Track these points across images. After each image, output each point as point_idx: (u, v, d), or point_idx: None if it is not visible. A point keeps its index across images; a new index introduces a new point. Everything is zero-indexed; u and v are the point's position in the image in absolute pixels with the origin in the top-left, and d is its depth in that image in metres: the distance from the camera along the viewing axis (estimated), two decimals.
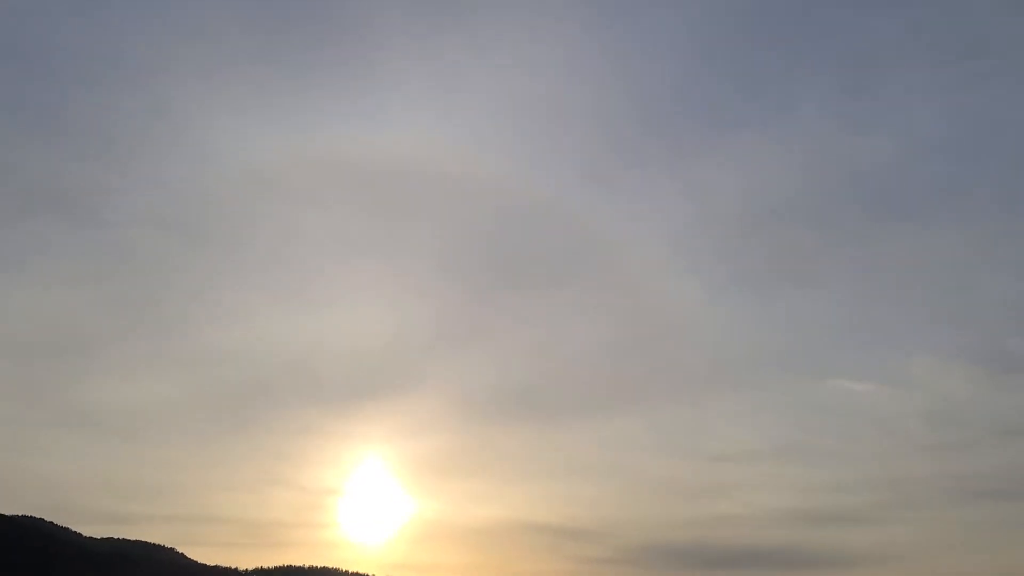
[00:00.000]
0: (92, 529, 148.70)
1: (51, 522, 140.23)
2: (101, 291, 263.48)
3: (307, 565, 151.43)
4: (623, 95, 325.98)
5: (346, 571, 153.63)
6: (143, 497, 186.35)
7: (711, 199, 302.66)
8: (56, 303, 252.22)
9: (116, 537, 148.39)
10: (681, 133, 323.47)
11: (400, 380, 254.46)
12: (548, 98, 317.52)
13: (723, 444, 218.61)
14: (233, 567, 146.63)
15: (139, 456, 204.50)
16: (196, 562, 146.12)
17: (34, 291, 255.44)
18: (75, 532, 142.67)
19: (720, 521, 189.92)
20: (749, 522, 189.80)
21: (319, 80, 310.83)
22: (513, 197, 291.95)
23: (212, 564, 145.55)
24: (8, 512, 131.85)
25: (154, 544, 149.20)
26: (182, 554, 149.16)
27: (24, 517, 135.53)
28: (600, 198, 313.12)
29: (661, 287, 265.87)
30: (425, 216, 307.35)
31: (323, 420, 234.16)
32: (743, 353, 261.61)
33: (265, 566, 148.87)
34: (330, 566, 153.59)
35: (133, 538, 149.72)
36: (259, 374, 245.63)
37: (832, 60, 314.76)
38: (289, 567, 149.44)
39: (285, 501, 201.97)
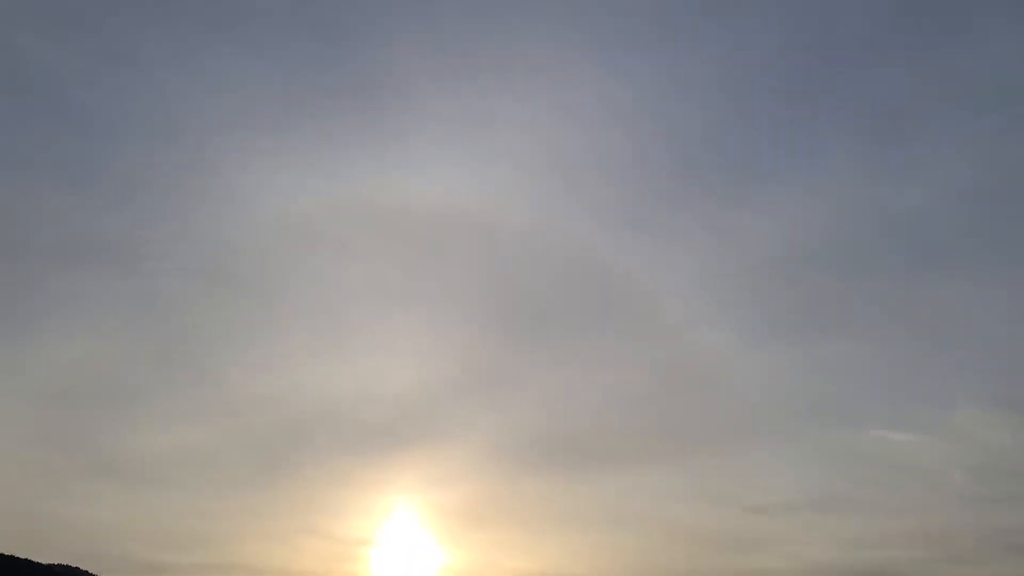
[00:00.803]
0: None
1: (87, 571, 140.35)
2: (138, 340, 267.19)
3: None
4: (654, 143, 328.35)
5: None
6: (177, 546, 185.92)
7: (743, 247, 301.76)
8: (94, 352, 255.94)
9: None
10: (712, 181, 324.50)
11: (432, 428, 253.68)
12: (578, 145, 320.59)
13: (759, 495, 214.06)
14: None
15: (173, 504, 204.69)
16: None
17: (73, 340, 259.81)
18: None
19: (758, 575, 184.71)
20: (788, 575, 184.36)
21: (349, 129, 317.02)
22: (544, 244, 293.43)
23: None
24: (45, 560, 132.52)
25: None
26: None
27: (60, 566, 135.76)
28: (631, 245, 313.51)
29: (694, 335, 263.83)
30: (457, 264, 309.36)
31: (355, 469, 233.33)
32: (778, 402, 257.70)
33: None
34: None
35: None
36: (292, 422, 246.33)
37: (862, 109, 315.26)
38: None
39: (317, 551, 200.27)
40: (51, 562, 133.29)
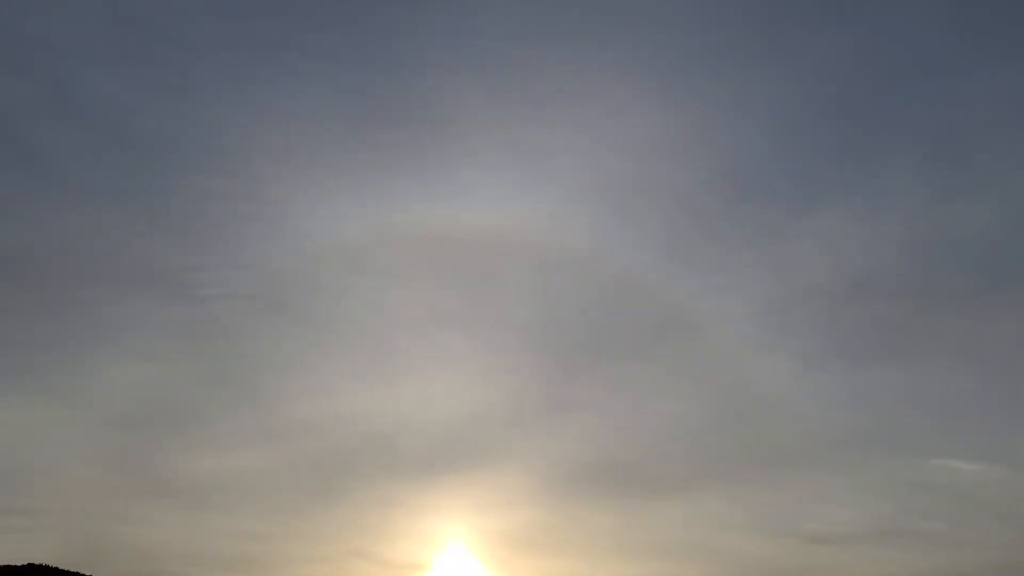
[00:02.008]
0: None
1: None
2: (192, 366, 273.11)
3: None
4: (704, 170, 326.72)
5: None
6: (230, 567, 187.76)
7: (798, 273, 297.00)
8: (152, 377, 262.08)
9: None
10: (764, 207, 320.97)
11: (483, 454, 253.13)
12: (629, 173, 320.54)
13: (820, 525, 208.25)
14: None
15: (226, 526, 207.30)
16: None
17: (131, 366, 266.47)
18: None
19: None
20: None
21: (398, 158, 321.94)
22: (595, 272, 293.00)
23: None
24: None
25: None
26: None
27: None
28: (683, 273, 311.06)
29: (749, 362, 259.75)
30: (507, 291, 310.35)
31: (405, 493, 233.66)
32: (839, 430, 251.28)
33: None
34: None
35: None
36: (343, 447, 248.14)
37: (923, 129, 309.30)
38: None
39: (367, 574, 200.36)
40: None
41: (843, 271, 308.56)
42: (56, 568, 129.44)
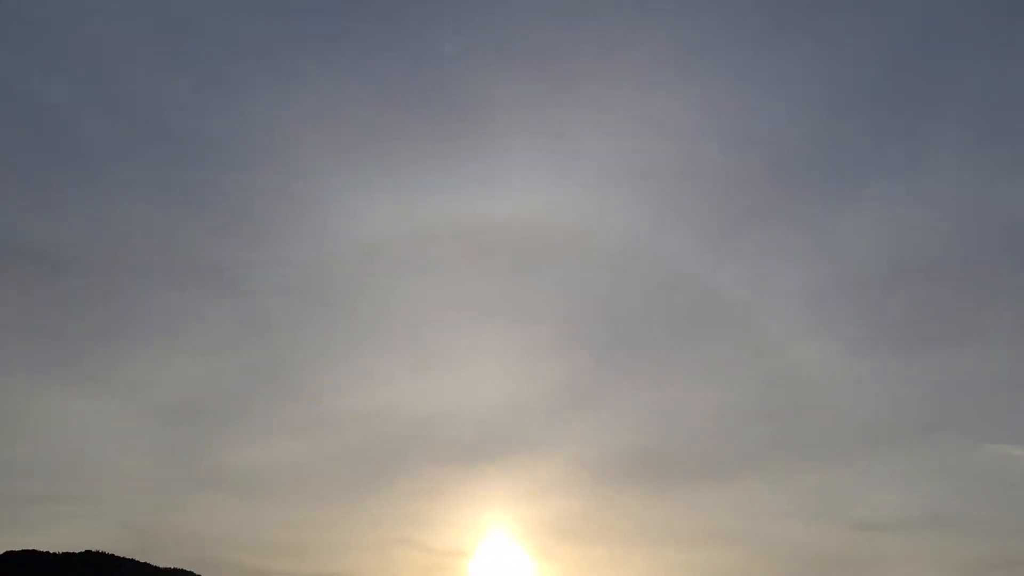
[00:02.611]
0: None
1: (199, 575, 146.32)
2: (242, 358, 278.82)
3: None
4: (745, 155, 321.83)
5: None
6: (279, 554, 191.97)
7: (845, 257, 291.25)
8: (203, 370, 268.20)
9: None
10: (809, 190, 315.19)
11: (524, 443, 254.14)
12: (668, 157, 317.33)
13: (869, 511, 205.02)
14: None
15: (275, 514, 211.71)
16: None
17: (183, 359, 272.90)
18: None
19: None
20: None
21: (436, 149, 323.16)
22: (636, 258, 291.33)
23: None
24: (161, 564, 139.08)
25: None
26: None
27: (176, 570, 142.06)
28: (724, 260, 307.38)
29: (793, 349, 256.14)
30: (547, 279, 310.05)
31: (448, 482, 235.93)
32: (887, 415, 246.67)
33: None
34: None
35: None
36: (387, 437, 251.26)
37: (975, 107, 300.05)
38: None
39: (411, 561, 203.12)
40: (167, 566, 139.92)
41: (889, 256, 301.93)
42: (112, 555, 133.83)
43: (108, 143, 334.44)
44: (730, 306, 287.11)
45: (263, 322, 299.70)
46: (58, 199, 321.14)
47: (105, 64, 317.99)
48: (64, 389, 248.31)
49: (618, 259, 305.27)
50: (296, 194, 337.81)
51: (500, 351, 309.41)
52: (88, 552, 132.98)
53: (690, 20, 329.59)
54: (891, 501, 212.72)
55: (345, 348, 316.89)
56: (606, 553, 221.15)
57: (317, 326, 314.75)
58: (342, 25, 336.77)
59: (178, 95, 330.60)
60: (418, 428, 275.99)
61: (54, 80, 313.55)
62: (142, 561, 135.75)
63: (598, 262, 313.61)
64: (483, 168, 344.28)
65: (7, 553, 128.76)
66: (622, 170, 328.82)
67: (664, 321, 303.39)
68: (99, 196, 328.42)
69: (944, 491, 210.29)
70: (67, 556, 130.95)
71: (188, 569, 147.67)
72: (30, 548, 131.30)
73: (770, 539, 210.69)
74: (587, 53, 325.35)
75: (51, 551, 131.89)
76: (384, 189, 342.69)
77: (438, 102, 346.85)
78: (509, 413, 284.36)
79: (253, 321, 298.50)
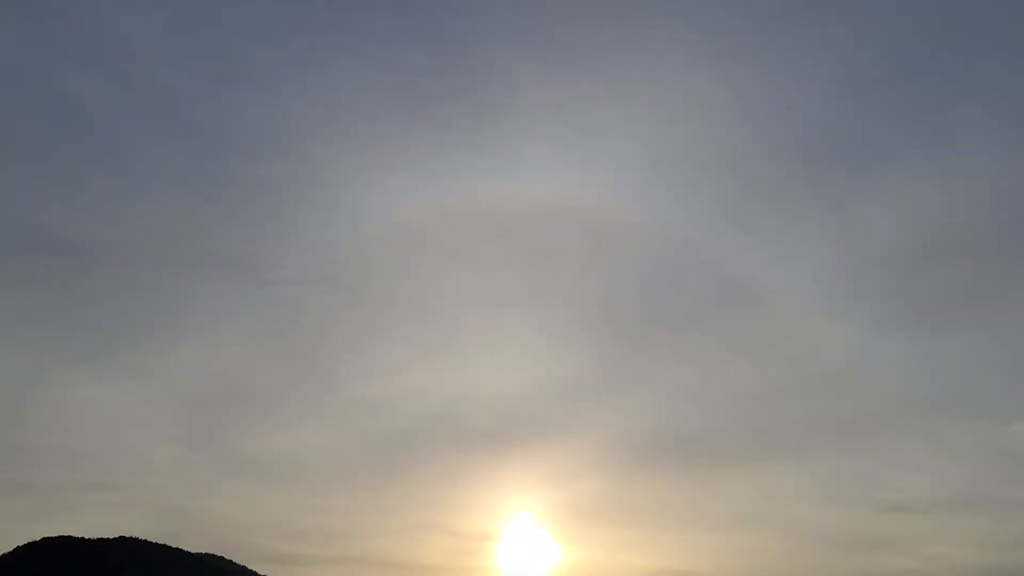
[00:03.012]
0: (265, 568, 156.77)
1: (230, 560, 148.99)
2: (264, 347, 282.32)
3: None
4: (764, 134, 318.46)
5: None
6: (307, 539, 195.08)
7: (867, 237, 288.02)
8: (228, 358, 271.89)
9: None
10: (828, 171, 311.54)
11: (547, 427, 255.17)
12: (686, 142, 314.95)
13: (896, 493, 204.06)
14: None
15: (302, 500, 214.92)
16: None
17: (209, 348, 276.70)
18: (251, 570, 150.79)
19: None
20: None
21: (457, 136, 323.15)
22: (657, 243, 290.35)
23: None
24: (193, 549, 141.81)
25: None
26: None
27: (207, 555, 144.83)
28: (746, 241, 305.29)
29: (817, 330, 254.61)
30: (567, 266, 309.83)
31: (472, 467, 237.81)
32: (913, 396, 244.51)
33: None
34: None
35: None
36: (411, 423, 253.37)
37: (996, 81, 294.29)
38: None
39: (437, 545, 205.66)
40: (199, 551, 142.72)
41: (915, 233, 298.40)
42: (145, 540, 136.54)
43: (135, 135, 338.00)
44: (753, 288, 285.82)
45: (287, 311, 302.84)
46: (88, 192, 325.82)
47: (125, 56, 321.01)
48: (97, 379, 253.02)
49: (640, 243, 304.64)
50: (316, 183, 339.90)
51: (524, 336, 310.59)
52: (122, 538, 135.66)
53: (707, 3, 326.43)
54: (918, 483, 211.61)
55: (368, 336, 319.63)
56: (632, 536, 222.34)
57: (340, 314, 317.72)
58: (365, 14, 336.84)
59: (205, 86, 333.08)
60: (441, 414, 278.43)
61: (80, 73, 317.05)
62: (174, 546, 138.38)
63: (620, 247, 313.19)
64: (506, 154, 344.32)
65: (44, 539, 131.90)
66: (644, 154, 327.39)
67: (687, 304, 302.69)
68: (128, 188, 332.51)
69: (971, 472, 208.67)
70: (101, 542, 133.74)
71: (219, 554, 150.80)
72: (66, 534, 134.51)
73: (796, 521, 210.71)
74: (607, 40, 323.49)
75: (86, 537, 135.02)
76: (404, 177, 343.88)
77: (461, 90, 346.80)
78: (534, 398, 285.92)
79: (277, 310, 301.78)
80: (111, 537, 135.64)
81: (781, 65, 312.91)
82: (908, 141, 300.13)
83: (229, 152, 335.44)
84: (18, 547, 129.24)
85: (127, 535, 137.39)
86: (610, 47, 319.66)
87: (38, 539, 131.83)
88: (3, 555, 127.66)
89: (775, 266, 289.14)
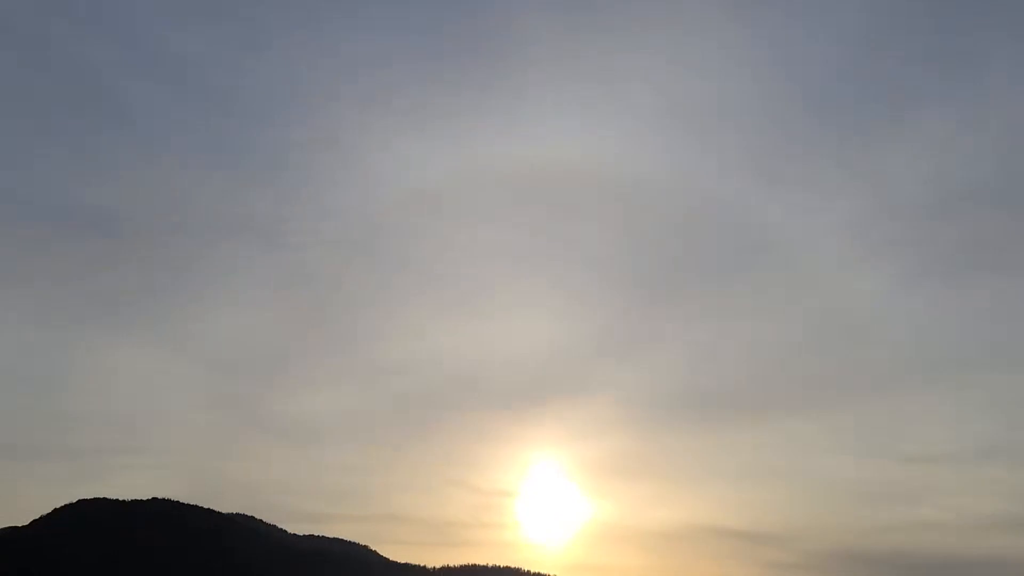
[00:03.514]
0: (294, 527, 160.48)
1: (260, 519, 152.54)
2: (287, 311, 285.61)
3: (490, 564, 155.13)
4: (787, 84, 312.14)
5: (528, 571, 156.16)
6: (334, 498, 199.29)
7: (892, 186, 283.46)
8: (251, 322, 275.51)
9: (316, 535, 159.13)
10: (854, 120, 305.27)
11: (569, 385, 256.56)
12: (707, 94, 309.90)
13: (919, 445, 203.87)
14: (421, 565, 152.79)
15: (329, 461, 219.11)
16: (387, 559, 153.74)
17: (232, 311, 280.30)
18: (280, 529, 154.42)
19: (917, 527, 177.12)
20: (950, 529, 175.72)
21: (474, 97, 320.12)
22: (676, 199, 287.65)
23: (402, 562, 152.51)
24: (224, 510, 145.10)
25: (350, 542, 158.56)
26: (375, 552, 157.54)
27: (238, 515, 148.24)
28: (769, 193, 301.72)
29: (841, 283, 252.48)
30: (587, 224, 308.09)
31: (495, 425, 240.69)
32: (937, 348, 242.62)
33: (451, 564, 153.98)
34: (512, 566, 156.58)
35: (332, 535, 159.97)
36: (433, 383, 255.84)
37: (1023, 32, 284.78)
38: (474, 566, 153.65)
39: (463, 502, 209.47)
40: (230, 511, 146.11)
41: (941, 183, 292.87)
42: (177, 501, 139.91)
43: (146, 101, 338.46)
44: (775, 242, 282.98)
45: (308, 275, 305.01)
46: (106, 161, 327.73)
47: (141, 22, 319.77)
48: (123, 345, 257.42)
49: (661, 198, 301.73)
50: (334, 146, 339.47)
51: (544, 295, 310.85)
52: (155, 499, 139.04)
53: None
54: (941, 434, 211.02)
55: (389, 298, 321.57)
56: (655, 490, 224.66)
57: (361, 277, 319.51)
58: None
59: (215, 51, 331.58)
60: (464, 374, 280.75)
61: (95, 42, 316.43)
62: (206, 507, 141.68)
63: (637, 204, 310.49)
64: (522, 112, 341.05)
65: (79, 501, 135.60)
66: (661, 110, 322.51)
67: (709, 259, 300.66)
68: (142, 155, 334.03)
69: (995, 424, 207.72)
70: (135, 503, 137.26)
71: (249, 514, 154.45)
72: (100, 496, 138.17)
73: (818, 474, 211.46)
74: None
75: (120, 498, 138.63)
76: (422, 139, 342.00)
77: (475, 49, 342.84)
78: (555, 357, 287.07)
79: (298, 274, 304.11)
80: (145, 499, 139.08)
81: (804, 12, 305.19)
82: (936, 88, 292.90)
83: (245, 118, 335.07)
84: (55, 509, 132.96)
85: (160, 496, 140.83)
86: (624, 4, 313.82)
87: (74, 501, 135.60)
88: (41, 517, 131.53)
89: (799, 218, 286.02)
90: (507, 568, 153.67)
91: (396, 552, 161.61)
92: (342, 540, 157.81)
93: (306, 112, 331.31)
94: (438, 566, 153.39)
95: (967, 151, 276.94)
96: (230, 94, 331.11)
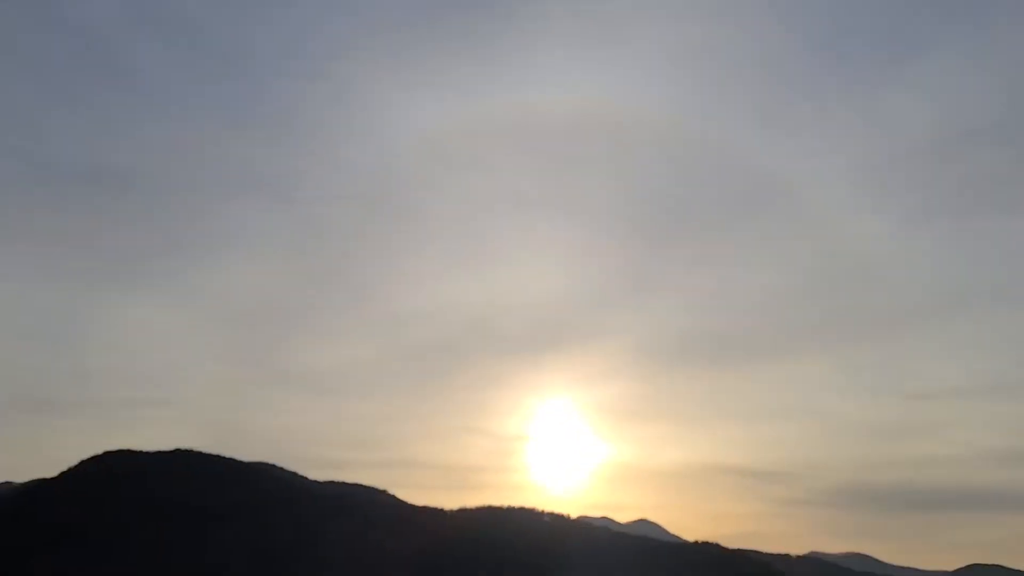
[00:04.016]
0: (316, 473, 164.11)
1: (282, 467, 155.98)
2: (297, 265, 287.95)
3: (507, 506, 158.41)
4: (789, 23, 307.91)
5: (543, 511, 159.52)
6: (353, 446, 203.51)
7: (896, 128, 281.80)
8: (264, 277, 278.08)
9: (337, 480, 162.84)
10: (858, 61, 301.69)
11: (581, 331, 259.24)
12: (711, 40, 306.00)
13: (923, 382, 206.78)
14: (440, 507, 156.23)
15: (345, 410, 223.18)
16: (406, 503, 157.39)
17: (245, 266, 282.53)
18: (302, 476, 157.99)
19: (924, 462, 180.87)
20: (957, 463, 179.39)
21: (478, 45, 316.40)
22: (683, 142, 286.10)
23: (421, 505, 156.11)
24: (247, 458, 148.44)
25: (369, 487, 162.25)
26: (394, 496, 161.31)
27: (260, 463, 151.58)
28: (772, 136, 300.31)
29: (846, 224, 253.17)
30: (590, 170, 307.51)
31: (507, 371, 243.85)
32: (943, 287, 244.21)
33: (468, 506, 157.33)
34: (528, 507, 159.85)
35: (351, 481, 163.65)
36: (445, 331, 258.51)
37: None
38: (490, 507, 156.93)
39: (478, 447, 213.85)
40: (251, 459, 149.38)
41: (947, 122, 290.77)
42: (200, 452, 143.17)
43: (151, 59, 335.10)
44: (781, 184, 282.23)
45: (317, 229, 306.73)
46: (116, 120, 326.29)
47: None
48: (142, 302, 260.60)
49: (666, 143, 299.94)
50: (342, 101, 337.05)
51: (548, 243, 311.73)
52: (178, 450, 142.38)
53: None
54: (946, 371, 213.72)
55: (397, 249, 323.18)
56: (666, 430, 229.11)
57: (368, 229, 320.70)
58: None
59: (217, 8, 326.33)
60: (475, 322, 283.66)
61: (102, 3, 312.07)
62: (228, 456, 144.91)
63: (640, 149, 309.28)
64: (527, 60, 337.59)
65: (105, 452, 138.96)
66: (667, 52, 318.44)
67: (714, 203, 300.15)
68: (149, 113, 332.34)
69: (1000, 360, 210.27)
70: (159, 454, 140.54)
71: (271, 462, 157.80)
72: (125, 447, 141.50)
73: (826, 413, 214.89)
74: None
75: (144, 450, 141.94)
76: (426, 89, 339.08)
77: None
78: (565, 302, 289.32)
79: (307, 228, 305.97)
80: (168, 450, 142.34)
81: None
82: (942, 28, 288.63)
83: (250, 74, 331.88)
84: (82, 461, 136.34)
85: (183, 447, 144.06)
86: None
87: (100, 453, 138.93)
88: (69, 469, 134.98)
89: (804, 161, 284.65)
90: (523, 509, 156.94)
91: (415, 496, 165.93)
92: (362, 485, 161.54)
93: (314, 68, 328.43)
94: (456, 508, 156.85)
95: (971, 91, 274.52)
96: (240, 51, 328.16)
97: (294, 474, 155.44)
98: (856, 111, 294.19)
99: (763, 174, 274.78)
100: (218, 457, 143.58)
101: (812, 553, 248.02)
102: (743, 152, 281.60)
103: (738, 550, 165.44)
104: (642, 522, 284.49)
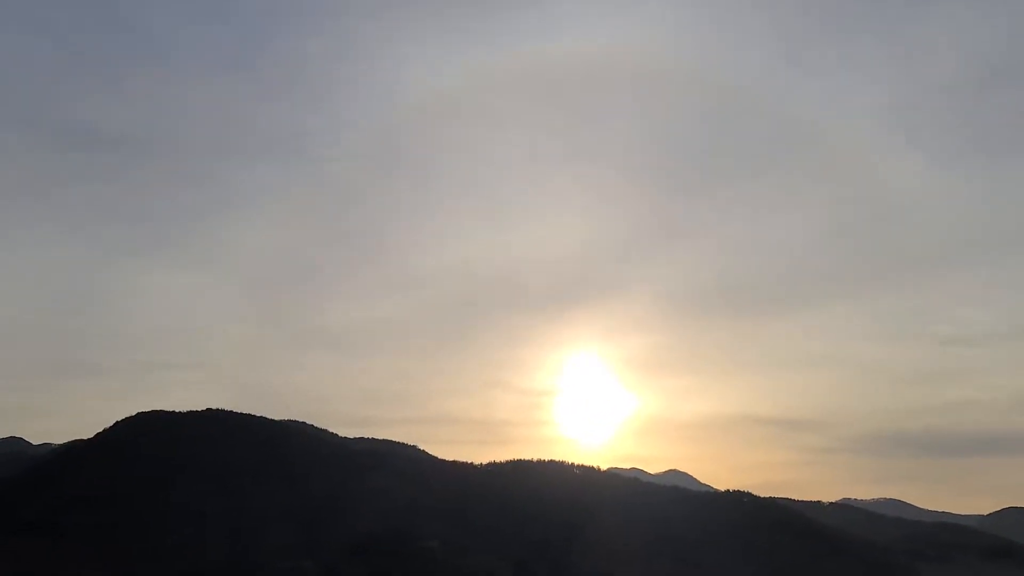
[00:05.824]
0: (345, 431, 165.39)
1: (312, 425, 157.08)
2: (317, 226, 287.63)
3: (535, 459, 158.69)
4: None
5: (572, 463, 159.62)
6: (383, 402, 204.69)
7: (929, 64, 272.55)
8: (281, 237, 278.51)
9: (366, 437, 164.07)
10: None
11: (607, 283, 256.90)
12: None
13: (954, 327, 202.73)
14: (469, 461, 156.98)
15: (373, 368, 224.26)
16: (437, 458, 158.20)
17: (263, 229, 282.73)
18: (332, 433, 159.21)
19: (955, 408, 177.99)
20: (990, 407, 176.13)
21: None
22: (707, 88, 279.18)
23: (451, 459, 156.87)
24: (276, 417, 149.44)
25: (399, 443, 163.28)
26: (424, 451, 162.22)
27: (290, 421, 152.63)
28: (799, 78, 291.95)
29: (876, 166, 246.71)
30: (611, 120, 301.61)
31: (533, 326, 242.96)
32: (975, 228, 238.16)
33: (497, 460, 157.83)
34: (556, 459, 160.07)
35: (381, 437, 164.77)
36: (469, 289, 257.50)
37: None
38: (519, 461, 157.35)
39: (506, 402, 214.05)
40: (282, 418, 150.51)
41: (979, 59, 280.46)
42: (231, 411, 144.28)
43: (161, 18, 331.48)
44: (809, 127, 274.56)
45: (334, 188, 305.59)
46: (129, 86, 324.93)
47: None
48: (166, 266, 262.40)
49: (690, 89, 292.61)
50: (350, 57, 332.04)
51: (570, 196, 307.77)
52: (209, 410, 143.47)
53: None
54: (977, 315, 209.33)
55: (416, 207, 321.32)
56: (695, 381, 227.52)
57: (386, 187, 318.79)
58: None
59: None
60: (500, 277, 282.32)
61: None
62: (259, 415, 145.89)
63: (662, 97, 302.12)
64: (544, 7, 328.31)
65: (138, 414, 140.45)
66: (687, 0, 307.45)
67: (741, 149, 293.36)
68: (162, 75, 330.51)
69: None
70: (191, 414, 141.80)
71: (301, 420, 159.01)
72: (157, 408, 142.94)
73: (854, 360, 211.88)
74: None
75: (176, 410, 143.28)
76: (439, 43, 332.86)
77: None
78: (588, 255, 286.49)
79: (321, 187, 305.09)
80: (200, 410, 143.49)
81: None
82: None
83: (263, 33, 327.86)
84: (116, 422, 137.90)
85: (214, 407, 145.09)
86: None
87: (134, 414, 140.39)
88: (104, 430, 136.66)
89: (832, 103, 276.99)
90: (552, 462, 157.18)
91: (444, 451, 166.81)
92: (391, 441, 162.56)
93: (319, 23, 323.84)
94: (485, 462, 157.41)
95: (1001, 27, 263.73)
96: (241, 8, 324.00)
97: (324, 431, 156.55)
98: (885, 48, 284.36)
99: (790, 118, 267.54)
100: (249, 416, 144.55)
101: (844, 500, 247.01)
102: (770, 95, 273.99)
103: (770, 498, 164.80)
104: (672, 472, 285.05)
